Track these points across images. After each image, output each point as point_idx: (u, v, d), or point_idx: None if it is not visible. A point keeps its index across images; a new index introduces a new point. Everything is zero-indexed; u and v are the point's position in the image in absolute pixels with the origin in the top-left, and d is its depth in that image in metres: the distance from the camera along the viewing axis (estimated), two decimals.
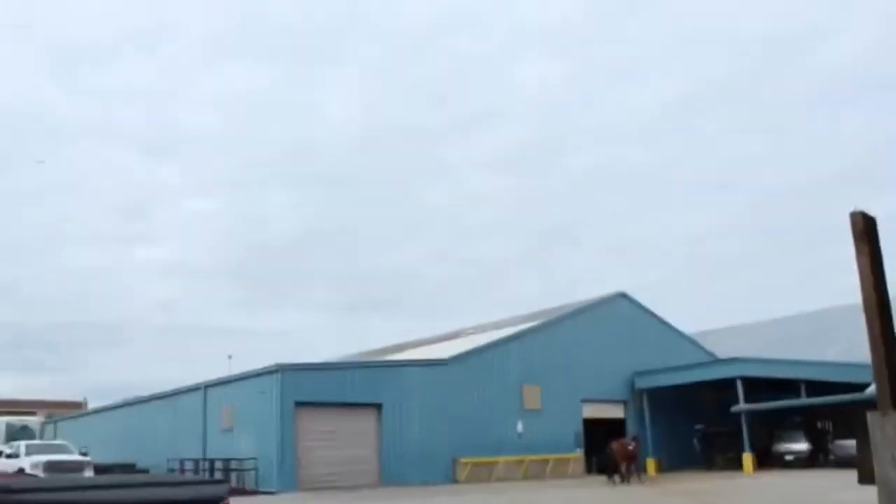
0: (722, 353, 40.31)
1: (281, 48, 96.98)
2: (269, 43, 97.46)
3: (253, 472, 27.82)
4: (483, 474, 31.12)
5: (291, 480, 26.86)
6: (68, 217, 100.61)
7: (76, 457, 28.82)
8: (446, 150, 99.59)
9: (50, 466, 26.04)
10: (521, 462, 32.50)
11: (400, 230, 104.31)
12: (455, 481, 30.31)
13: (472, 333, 42.30)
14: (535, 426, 33.58)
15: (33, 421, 40.90)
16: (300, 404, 27.93)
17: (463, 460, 30.87)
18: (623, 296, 39.45)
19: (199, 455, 30.86)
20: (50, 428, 45.53)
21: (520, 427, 33.34)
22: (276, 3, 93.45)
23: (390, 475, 28.83)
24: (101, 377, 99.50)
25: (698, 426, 37.01)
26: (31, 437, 36.78)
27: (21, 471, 26.28)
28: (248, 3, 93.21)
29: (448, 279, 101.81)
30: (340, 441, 28.56)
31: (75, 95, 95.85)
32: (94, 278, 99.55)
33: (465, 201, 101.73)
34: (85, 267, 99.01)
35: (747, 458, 32.51)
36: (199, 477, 23.60)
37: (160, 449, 33.42)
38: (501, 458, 32.00)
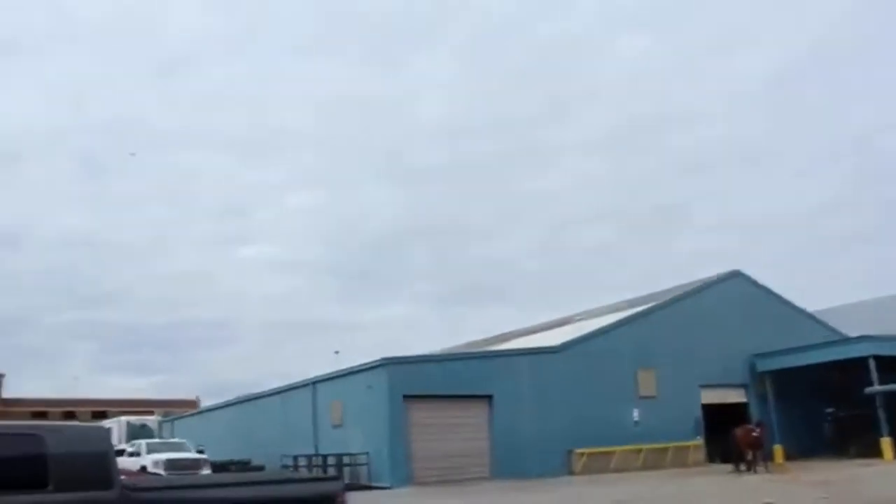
0: (848, 331, 37.78)
1: (372, 43, 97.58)
2: (361, 39, 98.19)
3: (365, 467, 27.57)
4: (599, 465, 29.97)
5: (404, 475, 26.44)
6: (175, 221, 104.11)
7: (194, 454, 29.34)
8: (543, 136, 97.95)
9: (170, 464, 26.58)
10: (638, 451, 31.19)
11: (501, 219, 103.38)
12: (571, 473, 29.28)
13: (581, 319, 41.07)
14: (651, 413, 32.16)
15: (151, 420, 42.15)
16: (409, 397, 27.47)
17: (578, 451, 29.80)
18: (739, 274, 37.45)
19: (311, 451, 30.87)
20: (167, 426, 46.83)
21: (636, 415, 32.00)
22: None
23: (504, 468, 28.04)
24: (213, 375, 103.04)
25: (829, 410, 34.77)
26: (150, 435, 37.84)
27: (143, 469, 26.89)
28: (337, 1, 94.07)
29: (553, 266, 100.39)
30: (451, 434, 27.95)
31: (173, 103, 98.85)
32: (203, 279, 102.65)
33: (566, 186, 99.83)
34: (194, 268, 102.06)
35: (886, 444, 30.26)
36: (315, 474, 23.45)
37: (272, 445, 33.66)
38: (618, 448, 30.76)
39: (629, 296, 41.02)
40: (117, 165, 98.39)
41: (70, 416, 60.10)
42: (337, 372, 32.07)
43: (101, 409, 59.53)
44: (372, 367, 28.63)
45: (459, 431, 28.17)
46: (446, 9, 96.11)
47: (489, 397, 29.18)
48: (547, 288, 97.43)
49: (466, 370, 29.52)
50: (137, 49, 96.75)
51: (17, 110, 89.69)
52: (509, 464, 28.16)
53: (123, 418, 40.44)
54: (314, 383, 33.02)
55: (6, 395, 69.21)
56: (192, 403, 63.37)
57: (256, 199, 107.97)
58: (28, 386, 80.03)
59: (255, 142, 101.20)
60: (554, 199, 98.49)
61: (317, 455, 30.06)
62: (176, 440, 34.61)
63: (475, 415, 28.87)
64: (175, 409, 56.94)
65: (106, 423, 37.70)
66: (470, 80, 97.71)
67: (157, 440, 33.94)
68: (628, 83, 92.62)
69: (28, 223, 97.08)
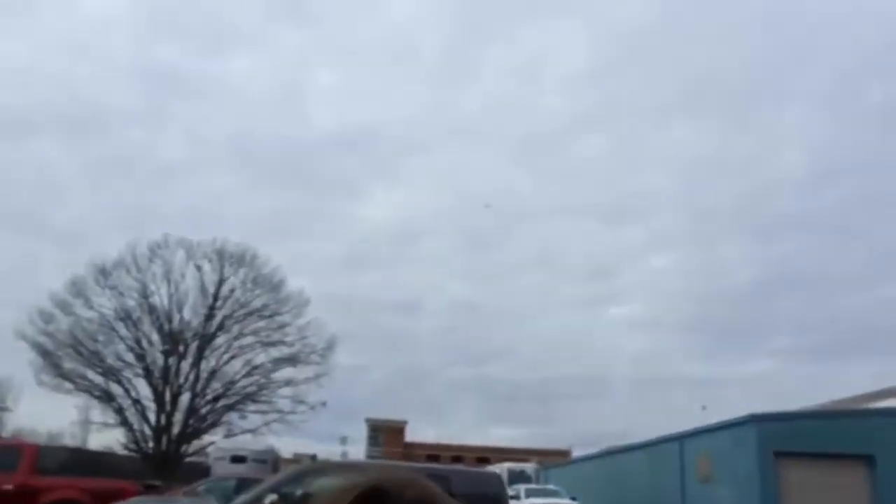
0: None
1: (729, 103, 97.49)
2: (718, 100, 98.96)
3: None
4: None
5: None
6: (547, 286, 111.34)
7: (567, 501, 31.58)
8: None
9: None
10: None
11: (873, 268, 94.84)
12: None
13: None
14: None
15: (529, 467, 45.53)
16: (780, 454, 27.07)
17: None
18: None
19: None
20: (542, 473, 50.11)
21: None
22: (716, 56, 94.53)
23: None
24: (583, 427, 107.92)
25: None
26: (528, 481, 40.94)
27: None
28: (688, 62, 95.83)
29: None
30: (826, 495, 26.87)
31: (539, 176, 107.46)
32: (572, 337, 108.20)
33: None
34: (564, 328, 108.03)
35: None
36: None
37: (638, 497, 34.77)
38: None
39: None
40: (497, 239, 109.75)
41: (457, 459, 66.88)
42: (703, 427, 32.46)
43: (484, 455, 65.27)
44: (739, 423, 28.71)
45: (835, 494, 26.97)
46: (801, 57, 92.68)
47: (870, 458, 27.52)
48: None
49: (843, 427, 28.23)
50: (507, 132, 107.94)
51: (419, 197, 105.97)
52: None
53: (506, 464, 44.28)
54: (681, 438, 33.69)
55: (408, 439, 79.93)
56: (564, 453, 66.80)
57: (622, 261, 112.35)
58: (425, 432, 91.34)
59: (617, 206, 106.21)
60: None
61: None
62: (551, 487, 37.11)
63: (854, 477, 27.43)
64: (549, 458, 60.46)
65: (492, 468, 41.80)
66: (827, 124, 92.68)
67: (534, 486, 36.69)
68: None
69: (425, 292, 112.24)
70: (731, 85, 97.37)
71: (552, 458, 61.68)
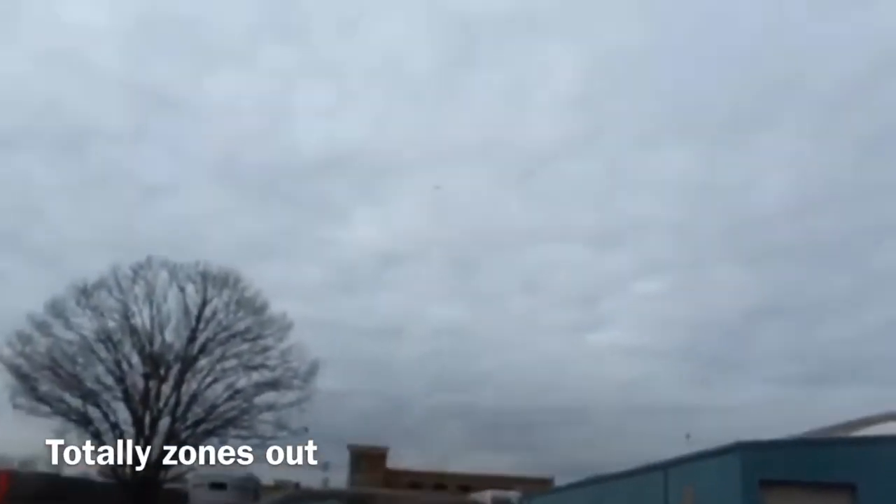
0: None
1: (715, 130, 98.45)
2: (701, 120, 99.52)
3: None
4: None
5: None
6: (533, 312, 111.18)
7: None
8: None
9: None
10: None
11: (858, 296, 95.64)
12: None
13: None
14: None
15: (512, 495, 45.23)
16: (764, 483, 26.92)
17: None
18: None
19: None
20: (525, 502, 49.75)
21: None
22: (704, 83, 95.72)
23: None
24: (567, 456, 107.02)
25: None
26: None
27: None
28: (677, 89, 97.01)
29: None
30: None
31: (526, 200, 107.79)
32: (557, 364, 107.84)
33: None
34: (549, 354, 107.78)
35: None
36: None
37: None
38: None
39: None
40: (483, 264, 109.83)
41: (440, 487, 66.27)
42: (688, 455, 32.28)
43: (466, 483, 64.71)
44: (724, 452, 28.55)
45: None
46: (788, 85, 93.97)
47: (853, 486, 27.42)
48: None
49: (826, 456, 28.15)
50: (495, 155, 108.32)
51: (404, 220, 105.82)
52: None
53: (489, 492, 43.94)
54: (665, 467, 33.47)
55: (390, 465, 79.21)
56: (547, 481, 66.33)
57: (609, 287, 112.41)
58: (407, 460, 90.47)
59: (604, 232, 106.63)
60: None
61: None
62: None
63: None
64: (531, 487, 59.95)
65: (475, 495, 41.45)
66: (812, 152, 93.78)
67: None
68: None
69: (409, 317, 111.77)
70: (719, 111, 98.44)
71: (535, 487, 61.13)
